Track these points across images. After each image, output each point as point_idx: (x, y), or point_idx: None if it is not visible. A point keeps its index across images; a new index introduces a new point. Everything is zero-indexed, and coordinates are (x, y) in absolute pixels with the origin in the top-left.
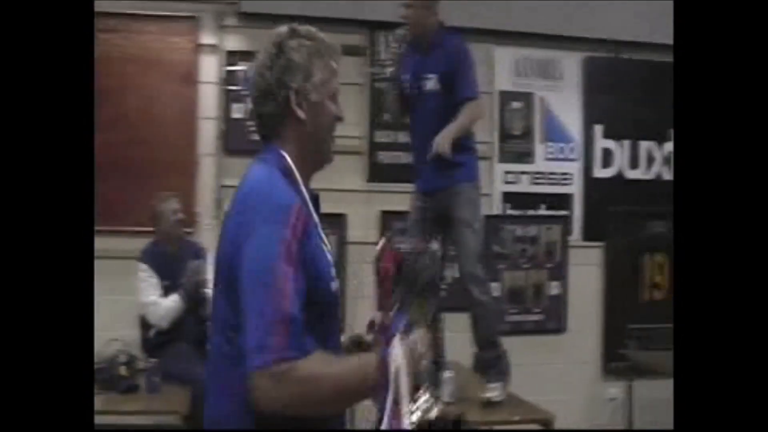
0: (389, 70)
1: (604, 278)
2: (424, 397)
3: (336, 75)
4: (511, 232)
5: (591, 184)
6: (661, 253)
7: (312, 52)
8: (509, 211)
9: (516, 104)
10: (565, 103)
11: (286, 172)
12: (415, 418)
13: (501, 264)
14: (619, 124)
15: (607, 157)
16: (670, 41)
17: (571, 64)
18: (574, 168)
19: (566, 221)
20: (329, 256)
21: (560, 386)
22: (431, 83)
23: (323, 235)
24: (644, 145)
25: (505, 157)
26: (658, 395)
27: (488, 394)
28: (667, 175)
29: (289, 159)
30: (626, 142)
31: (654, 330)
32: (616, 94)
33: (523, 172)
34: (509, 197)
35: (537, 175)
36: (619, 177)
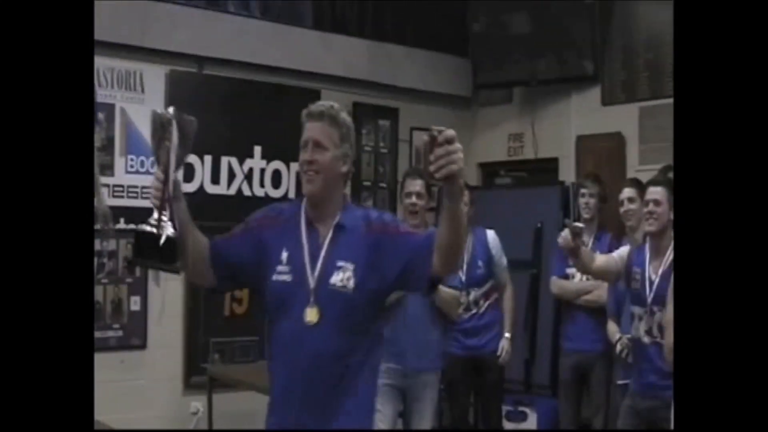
0: None
1: (185, 293)
2: None
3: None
4: None
5: None
6: None
7: None
8: None
9: (97, 116)
10: (147, 116)
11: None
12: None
13: None
14: (201, 140)
15: (189, 172)
16: (252, 59)
17: (154, 76)
18: None
19: None
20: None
21: (143, 402)
22: None
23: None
24: (225, 161)
25: None
26: (235, 408)
27: None
28: (248, 191)
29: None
30: (208, 158)
31: (235, 343)
32: (199, 109)
33: (103, 185)
34: None
35: (117, 188)
36: (200, 192)
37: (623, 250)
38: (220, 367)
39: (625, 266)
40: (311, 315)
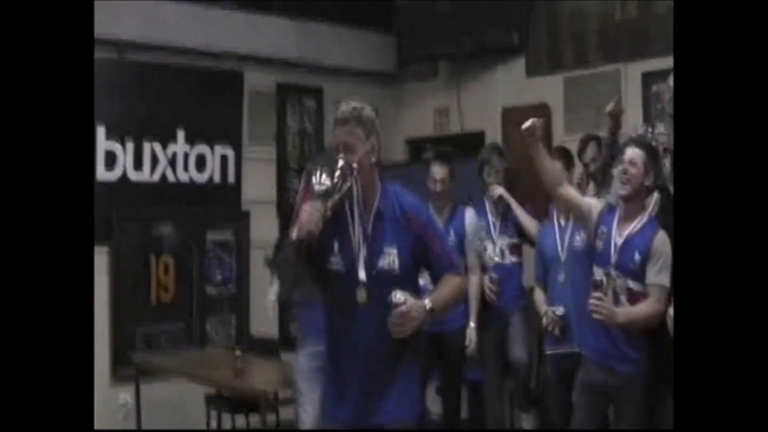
0: None
1: (110, 282)
2: None
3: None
4: None
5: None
6: (167, 254)
7: None
8: None
9: None
10: None
11: None
12: None
13: None
14: (122, 126)
15: (111, 158)
16: (174, 42)
17: None
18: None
19: None
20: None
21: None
22: None
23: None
24: (148, 147)
25: None
26: (164, 397)
27: None
28: (172, 177)
29: None
30: (130, 144)
31: (162, 331)
32: (119, 94)
33: None
34: None
35: None
36: (123, 179)
37: (597, 202)
38: (147, 356)
39: (594, 222)
40: (362, 296)
